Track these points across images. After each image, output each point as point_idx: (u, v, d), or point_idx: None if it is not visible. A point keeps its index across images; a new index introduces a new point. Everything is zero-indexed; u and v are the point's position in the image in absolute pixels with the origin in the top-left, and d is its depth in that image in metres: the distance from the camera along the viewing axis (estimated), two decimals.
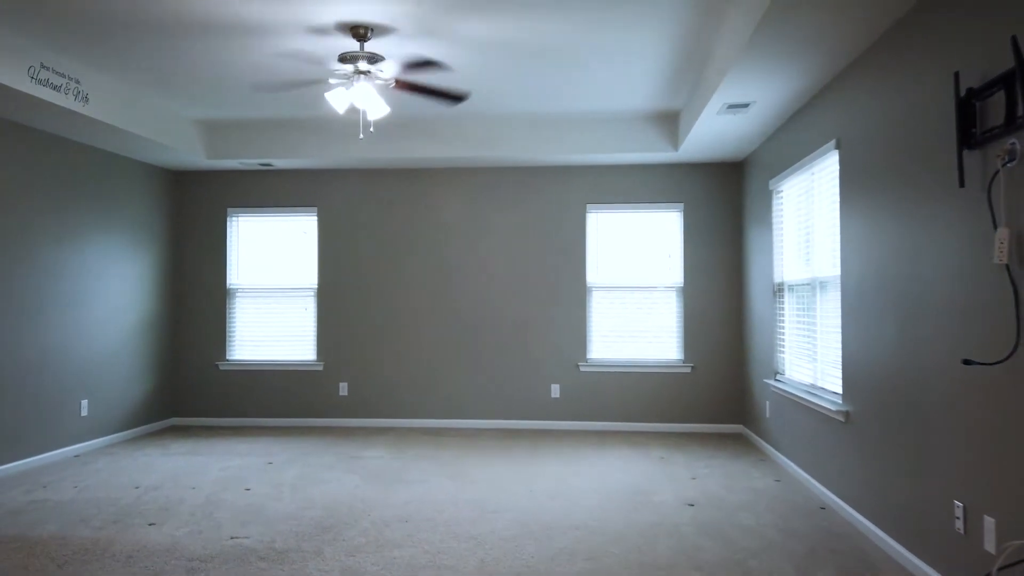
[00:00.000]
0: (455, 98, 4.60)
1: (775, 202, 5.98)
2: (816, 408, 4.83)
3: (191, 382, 7.60)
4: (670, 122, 6.65)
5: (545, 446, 6.45)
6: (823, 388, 4.90)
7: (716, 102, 5.08)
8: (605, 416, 7.25)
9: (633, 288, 7.28)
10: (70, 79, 5.06)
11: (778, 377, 5.91)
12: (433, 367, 7.41)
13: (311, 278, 7.57)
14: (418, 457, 6.00)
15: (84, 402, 6.23)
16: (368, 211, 7.49)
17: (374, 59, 4.41)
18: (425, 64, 4.30)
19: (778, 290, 5.97)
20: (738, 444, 6.57)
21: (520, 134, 6.76)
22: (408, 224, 7.45)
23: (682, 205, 7.25)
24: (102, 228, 6.45)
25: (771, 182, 5.96)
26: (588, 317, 7.31)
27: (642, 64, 5.17)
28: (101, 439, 6.44)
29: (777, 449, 5.88)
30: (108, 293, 6.53)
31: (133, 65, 5.17)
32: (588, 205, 7.33)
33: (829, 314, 4.86)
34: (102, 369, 6.46)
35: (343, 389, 7.48)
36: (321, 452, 6.20)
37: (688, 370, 7.17)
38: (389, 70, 4.68)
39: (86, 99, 5.24)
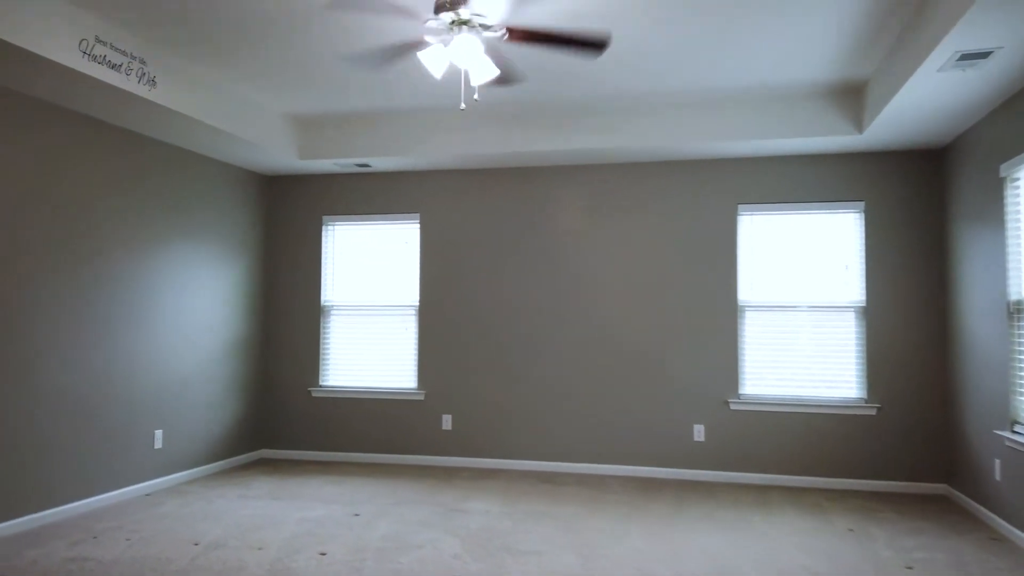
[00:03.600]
0: (593, 45, 3.42)
1: (1009, 194, 4.48)
2: None
3: (281, 411, 6.81)
4: (852, 97, 5.26)
5: (691, 505, 5.14)
6: None
7: (942, 53, 3.70)
8: (764, 467, 5.84)
9: (798, 308, 5.87)
10: (132, 58, 4.33)
11: (1017, 428, 4.36)
12: (550, 399, 6.26)
13: (412, 294, 6.63)
14: (531, 514, 4.86)
15: (158, 433, 5.50)
16: (476, 217, 6.49)
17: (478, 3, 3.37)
18: None
19: (1015, 310, 4.44)
20: (948, 512, 5.02)
21: (656, 119, 5.56)
22: (522, 232, 6.39)
23: (862, 204, 5.79)
24: (183, 236, 5.76)
25: (1003, 167, 4.46)
26: (740, 343, 5.95)
27: (828, 12, 3.87)
28: (178, 475, 5.70)
29: (1016, 526, 4.33)
30: (188, 309, 5.82)
31: (208, 44, 4.39)
32: (740, 206, 6.01)
33: None
34: (180, 395, 5.73)
35: (446, 422, 6.46)
36: (417, 501, 5.17)
37: (872, 412, 5.67)
38: (498, 15, 3.60)
39: (153, 82, 4.51)
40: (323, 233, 6.82)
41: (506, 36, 3.46)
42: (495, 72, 3.51)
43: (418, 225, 6.63)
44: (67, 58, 3.89)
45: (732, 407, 5.90)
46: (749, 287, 5.97)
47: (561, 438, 6.22)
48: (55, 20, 3.81)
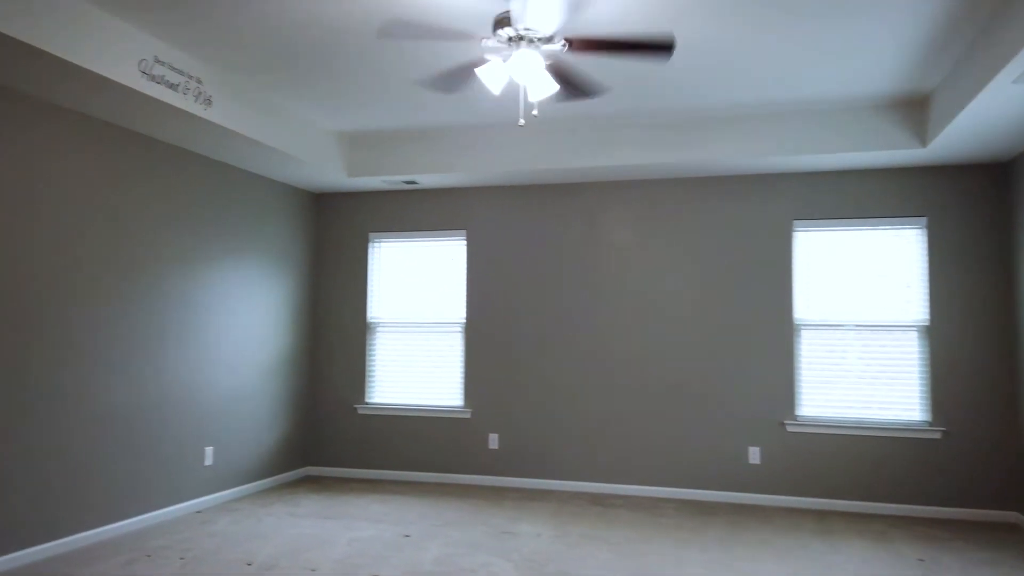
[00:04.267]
0: (660, 48, 3.33)
1: None
2: None
3: (328, 427, 6.80)
4: (915, 110, 5.10)
5: (748, 530, 4.98)
6: None
7: (1019, 64, 3.55)
8: (823, 491, 5.64)
9: (857, 327, 5.68)
10: (190, 77, 4.37)
11: None
12: (600, 418, 6.14)
13: (459, 311, 6.58)
14: (585, 538, 4.74)
15: (209, 450, 5.51)
16: (523, 234, 6.42)
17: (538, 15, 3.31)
18: None
19: None
20: (1022, 541, 4.78)
21: (709, 133, 5.45)
22: (570, 248, 6.30)
23: (924, 220, 5.60)
24: (232, 253, 5.80)
25: None
26: (796, 363, 5.78)
27: (893, 25, 3.74)
28: (227, 492, 5.70)
29: None
30: (236, 326, 5.85)
31: (262, 64, 4.41)
32: (795, 222, 5.85)
33: None
34: (229, 412, 5.74)
35: (493, 441, 6.38)
36: (466, 522, 5.09)
37: (937, 435, 5.45)
38: (550, 26, 3.54)
39: (209, 101, 4.54)
40: (369, 250, 6.82)
41: (567, 47, 3.40)
42: (554, 87, 3.45)
43: (465, 242, 6.59)
44: (127, 78, 3.93)
45: (788, 429, 5.72)
46: (805, 305, 5.80)
47: (611, 459, 6.09)
48: (116, 41, 3.86)
